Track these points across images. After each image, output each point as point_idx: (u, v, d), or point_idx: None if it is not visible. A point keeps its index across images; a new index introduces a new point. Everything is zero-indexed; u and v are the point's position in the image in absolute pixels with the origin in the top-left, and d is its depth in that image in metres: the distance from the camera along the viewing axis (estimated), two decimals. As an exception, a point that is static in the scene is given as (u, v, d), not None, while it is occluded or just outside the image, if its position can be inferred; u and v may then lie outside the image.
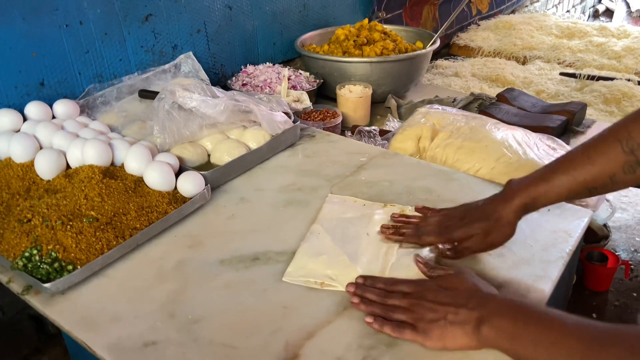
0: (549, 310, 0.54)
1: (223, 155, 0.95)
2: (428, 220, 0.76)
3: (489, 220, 0.69)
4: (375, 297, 0.64)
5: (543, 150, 0.97)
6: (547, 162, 0.90)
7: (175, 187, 0.85)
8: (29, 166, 0.86)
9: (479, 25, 2.51)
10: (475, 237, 0.69)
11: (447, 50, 2.34)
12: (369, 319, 0.62)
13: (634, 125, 0.63)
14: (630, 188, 1.44)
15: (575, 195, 0.67)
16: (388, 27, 1.58)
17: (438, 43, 1.50)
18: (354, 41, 1.47)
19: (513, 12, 2.87)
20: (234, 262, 0.75)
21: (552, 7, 3.42)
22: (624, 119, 0.64)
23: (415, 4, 2.00)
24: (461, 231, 0.70)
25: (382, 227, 0.77)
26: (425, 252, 0.73)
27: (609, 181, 0.64)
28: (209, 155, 0.99)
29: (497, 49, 2.21)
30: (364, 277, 0.67)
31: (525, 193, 0.67)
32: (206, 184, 0.86)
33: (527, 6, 3.04)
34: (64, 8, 0.99)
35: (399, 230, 0.75)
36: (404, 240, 0.75)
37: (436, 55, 2.20)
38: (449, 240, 0.71)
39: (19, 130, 0.93)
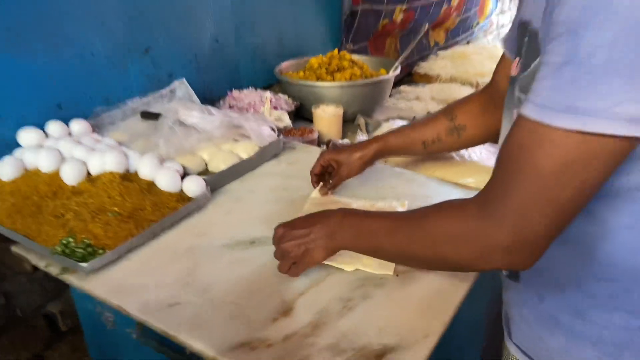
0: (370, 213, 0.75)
1: (220, 164, 1.12)
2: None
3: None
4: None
5: (484, 154, 1.18)
6: (488, 163, 1.11)
7: (182, 189, 1.01)
8: (55, 175, 1.01)
9: (437, 55, 2.77)
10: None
11: (410, 78, 2.57)
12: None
13: (454, 103, 1.00)
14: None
15: (413, 145, 1.02)
16: (355, 57, 1.79)
17: (399, 69, 1.72)
18: (326, 69, 1.67)
19: (468, 43, 3.16)
20: (234, 245, 0.91)
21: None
22: (450, 103, 1.01)
23: (379, 36, 2.23)
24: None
25: None
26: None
27: (436, 138, 0.99)
28: (205, 164, 1.15)
29: (453, 75, 2.46)
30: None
31: (381, 141, 1.03)
32: (207, 186, 1.02)
33: (479, 39, 3.35)
34: (79, 43, 1.16)
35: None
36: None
37: (400, 82, 2.42)
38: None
39: (41, 145, 1.08)
